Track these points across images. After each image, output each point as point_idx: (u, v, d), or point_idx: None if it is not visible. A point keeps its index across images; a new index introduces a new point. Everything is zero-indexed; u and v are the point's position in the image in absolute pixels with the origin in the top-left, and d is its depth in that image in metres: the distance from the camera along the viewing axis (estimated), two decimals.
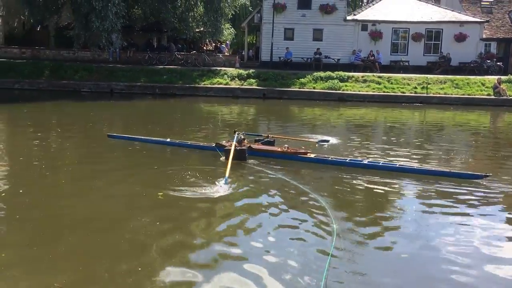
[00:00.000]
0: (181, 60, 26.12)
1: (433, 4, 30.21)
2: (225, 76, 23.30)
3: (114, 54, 26.19)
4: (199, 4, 27.89)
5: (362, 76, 23.52)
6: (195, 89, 22.30)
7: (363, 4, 36.12)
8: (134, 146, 10.31)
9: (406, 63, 26.96)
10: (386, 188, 7.61)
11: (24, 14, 29.12)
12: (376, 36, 27.70)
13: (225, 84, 22.70)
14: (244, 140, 9.32)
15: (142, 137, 10.68)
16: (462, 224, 6.16)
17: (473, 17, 28.59)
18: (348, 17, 27.98)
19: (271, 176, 8.11)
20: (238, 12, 32.26)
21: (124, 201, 6.81)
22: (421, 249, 5.34)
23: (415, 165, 8.94)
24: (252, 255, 5.02)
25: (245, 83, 22.82)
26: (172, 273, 4.64)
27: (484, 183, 7.85)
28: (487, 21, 28.70)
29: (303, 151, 9.14)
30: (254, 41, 39.06)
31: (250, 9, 34.23)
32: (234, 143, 8.75)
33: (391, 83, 22.90)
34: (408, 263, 5.09)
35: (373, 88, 22.50)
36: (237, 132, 9.47)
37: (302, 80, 22.90)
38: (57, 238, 5.45)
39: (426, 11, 28.66)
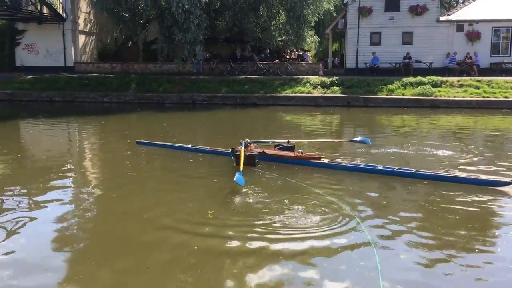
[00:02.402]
0: (263, 69, 25.77)
1: None
2: (308, 84, 22.47)
3: (198, 65, 26.43)
4: (281, 12, 27.40)
5: (458, 81, 21.50)
6: (276, 98, 21.70)
7: (458, 3, 33.56)
8: (160, 153, 10.65)
9: (509, 65, 24.33)
10: (404, 195, 7.37)
11: (116, 31, 30.51)
12: (473, 36, 25.35)
13: (307, 93, 21.86)
14: (251, 144, 9.35)
15: (166, 143, 11.06)
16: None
17: None
18: (441, 18, 25.92)
19: (289, 182, 7.87)
20: (322, 18, 31.21)
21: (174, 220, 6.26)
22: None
23: (433, 171, 8.17)
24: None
25: (328, 91, 21.81)
26: None
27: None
28: None
29: (317, 156, 8.97)
30: (339, 48, 37.84)
31: (334, 14, 33.04)
32: (242, 148, 8.78)
33: (492, 87, 20.65)
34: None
35: (471, 93, 20.41)
36: (247, 140, 9.41)
37: (390, 86, 21.40)
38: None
39: None
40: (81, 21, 29.61)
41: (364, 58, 25.48)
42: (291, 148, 9.55)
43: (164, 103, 22.25)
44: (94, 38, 31.52)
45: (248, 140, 9.36)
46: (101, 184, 8.25)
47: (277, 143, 9.95)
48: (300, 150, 9.24)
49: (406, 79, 21.74)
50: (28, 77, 25.21)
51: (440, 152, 10.21)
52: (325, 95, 21.54)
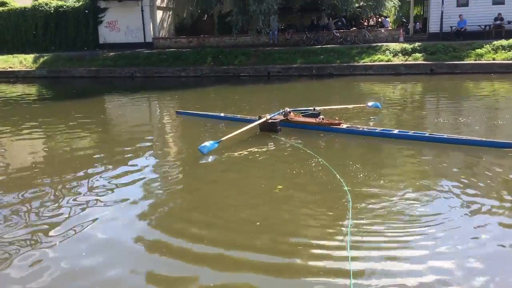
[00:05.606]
0: (340, 38, 24.87)
1: None
2: (387, 52, 21.39)
3: (273, 36, 26.05)
4: None
5: None
6: (354, 67, 20.89)
7: None
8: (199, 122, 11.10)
9: None
10: (412, 159, 7.64)
11: (192, 5, 30.73)
12: None
13: (387, 61, 20.81)
14: (290, 113, 9.83)
15: (202, 113, 11.84)
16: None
17: None
18: None
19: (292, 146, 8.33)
20: None
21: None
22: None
23: (446, 134, 8.29)
24: None
25: (409, 59, 20.64)
26: None
27: None
28: None
29: (337, 121, 9.34)
30: (421, 13, 35.66)
31: None
32: (267, 116, 9.52)
33: None
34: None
35: None
36: (286, 108, 9.90)
37: (479, 51, 19.83)
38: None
39: None
40: None
41: (449, 22, 23.75)
42: (316, 115, 9.98)
43: (240, 76, 22.24)
44: (171, 13, 32.05)
45: (288, 109, 9.86)
46: (175, 157, 8.38)
47: (303, 111, 10.41)
48: (321, 117, 9.58)
49: (497, 43, 20.03)
50: (111, 54, 26.25)
51: None
52: (406, 62, 20.41)
